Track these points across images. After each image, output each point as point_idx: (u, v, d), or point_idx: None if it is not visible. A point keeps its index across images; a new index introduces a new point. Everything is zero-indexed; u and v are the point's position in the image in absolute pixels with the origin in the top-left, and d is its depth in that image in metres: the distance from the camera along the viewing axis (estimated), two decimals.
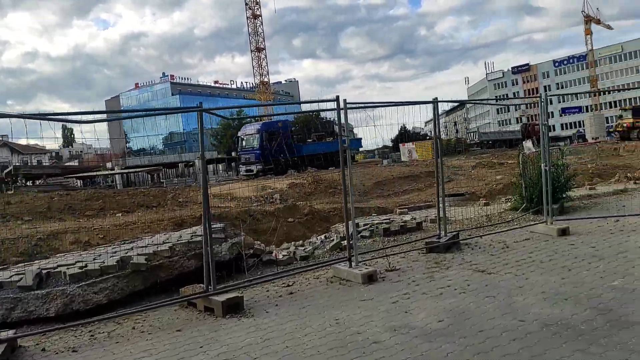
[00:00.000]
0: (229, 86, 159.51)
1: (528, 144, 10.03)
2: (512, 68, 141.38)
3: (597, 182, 26.92)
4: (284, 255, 8.83)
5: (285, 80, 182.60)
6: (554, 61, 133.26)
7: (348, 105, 7.54)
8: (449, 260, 7.85)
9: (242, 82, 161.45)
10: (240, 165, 34.93)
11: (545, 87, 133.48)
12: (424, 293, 6.23)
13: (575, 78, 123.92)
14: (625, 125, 53.03)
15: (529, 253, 7.91)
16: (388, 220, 11.43)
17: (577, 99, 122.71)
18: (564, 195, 11.87)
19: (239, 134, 35.67)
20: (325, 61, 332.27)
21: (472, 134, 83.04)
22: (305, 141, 37.32)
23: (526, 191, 11.65)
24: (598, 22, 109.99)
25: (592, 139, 73.22)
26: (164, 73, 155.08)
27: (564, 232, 9.04)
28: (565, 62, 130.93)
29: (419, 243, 9.06)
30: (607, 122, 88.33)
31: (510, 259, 7.63)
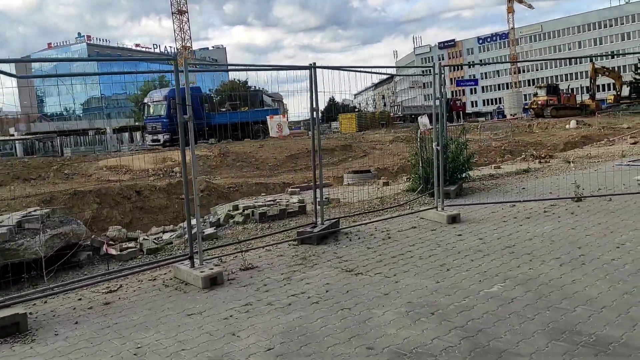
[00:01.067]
0: (152, 50, 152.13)
1: (424, 120, 9.01)
2: (439, 43, 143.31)
3: (508, 159, 27.07)
4: (122, 249, 7.36)
5: (213, 47, 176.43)
6: (478, 38, 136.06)
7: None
8: (319, 254, 6.72)
9: (165, 47, 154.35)
10: (147, 134, 32.58)
11: (469, 62, 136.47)
12: (269, 304, 5.04)
13: (498, 55, 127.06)
14: (539, 102, 54.44)
15: (410, 246, 6.92)
16: (272, 202, 10.21)
17: (499, 76, 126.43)
18: (463, 176, 11.09)
19: (145, 100, 33.10)
20: (257, 29, 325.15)
21: (396, 107, 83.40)
22: (218, 110, 35.36)
23: (423, 171, 10.75)
24: (520, 0, 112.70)
25: (511, 115, 75.41)
26: (79, 33, 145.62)
27: (453, 220, 8.16)
28: (488, 39, 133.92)
29: (294, 232, 7.88)
30: (525, 100, 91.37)
31: (387, 253, 6.60)
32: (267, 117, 7.34)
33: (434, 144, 8.41)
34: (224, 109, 35.94)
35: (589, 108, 54.55)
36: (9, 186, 16.89)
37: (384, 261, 6.27)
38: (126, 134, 50.11)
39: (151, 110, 31.83)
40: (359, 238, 7.49)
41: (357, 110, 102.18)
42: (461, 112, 70.97)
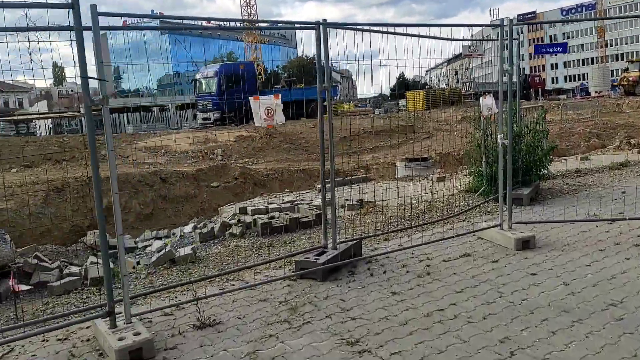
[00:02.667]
0: (222, 25, 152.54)
1: (487, 101, 6.57)
2: (518, 16, 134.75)
3: (595, 144, 23.54)
4: (61, 277, 5.46)
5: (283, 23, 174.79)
6: (562, 9, 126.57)
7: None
8: (317, 302, 4.57)
9: (236, 24, 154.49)
10: (197, 112, 31.25)
11: (550, 36, 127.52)
12: None
13: (583, 28, 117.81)
14: (630, 79, 48.97)
15: (456, 292, 4.63)
16: (290, 204, 8.11)
17: (583, 50, 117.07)
18: (541, 172, 8.51)
19: (197, 76, 31.72)
20: (329, 4, 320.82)
21: (468, 84, 78.57)
22: (273, 87, 33.49)
23: (487, 167, 8.27)
24: None
25: (596, 92, 69.26)
26: (152, 10, 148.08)
27: (525, 245, 5.75)
28: (573, 10, 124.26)
29: (300, 255, 5.73)
30: (612, 76, 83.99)
31: (419, 306, 4.36)
32: (251, 99, 5.22)
33: (498, 137, 5.97)
34: (278, 86, 34.06)
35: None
36: (30, 169, 15.73)
37: (411, 323, 4.03)
38: (189, 112, 49.41)
39: (203, 87, 30.44)
40: (385, 272, 5.25)
41: (427, 86, 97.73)
42: (540, 89, 65.55)
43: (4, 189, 12.52)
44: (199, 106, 30.71)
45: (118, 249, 3.98)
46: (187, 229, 7.67)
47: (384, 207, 8.21)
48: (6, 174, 15.80)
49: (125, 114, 52.46)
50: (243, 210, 8.00)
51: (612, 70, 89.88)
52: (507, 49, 6.20)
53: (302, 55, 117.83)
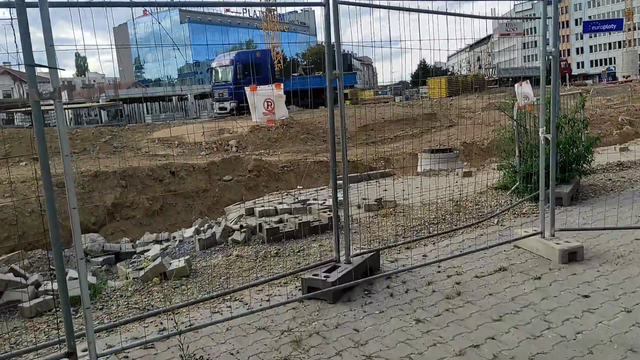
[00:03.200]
0: (241, 15, 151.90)
1: (525, 89, 5.71)
2: None
3: (627, 131, 22.31)
4: (34, 297, 4.75)
5: (302, 10, 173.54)
6: None
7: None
8: (326, 332, 3.82)
9: (254, 11, 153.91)
10: (214, 102, 30.57)
11: (576, 20, 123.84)
12: None
13: (610, 11, 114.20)
14: None
15: (492, 320, 3.84)
16: (302, 205, 7.37)
17: (609, 33, 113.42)
18: (582, 168, 7.62)
19: (212, 64, 30.99)
20: None
21: (491, 69, 76.70)
22: (290, 75, 32.67)
23: (522, 163, 7.41)
24: None
25: (623, 77, 66.96)
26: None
27: (572, 257, 4.92)
28: None
29: (309, 272, 4.99)
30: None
31: (447, 339, 3.59)
32: (247, 90, 4.45)
33: (540, 131, 5.11)
34: (296, 74, 33.23)
35: None
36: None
37: None
38: (207, 101, 48.90)
39: (219, 76, 29.75)
40: (407, 291, 4.47)
41: (449, 73, 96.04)
42: (567, 74, 63.58)
43: (10, 185, 12.01)
44: (215, 95, 30.08)
45: (79, 279, 3.26)
46: (189, 232, 6.98)
47: (405, 208, 7.41)
48: (15, 168, 15.35)
49: (144, 104, 52.24)
50: (250, 212, 7.28)
51: (639, 54, 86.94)
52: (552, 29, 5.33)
53: (322, 42, 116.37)
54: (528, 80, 6.29)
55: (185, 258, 5.25)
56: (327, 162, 16.56)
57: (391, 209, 7.24)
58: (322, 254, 5.53)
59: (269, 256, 5.62)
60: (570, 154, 7.35)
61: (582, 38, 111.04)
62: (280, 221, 6.49)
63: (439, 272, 4.87)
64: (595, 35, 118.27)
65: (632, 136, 19.85)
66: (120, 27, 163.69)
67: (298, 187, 9.60)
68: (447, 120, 27.44)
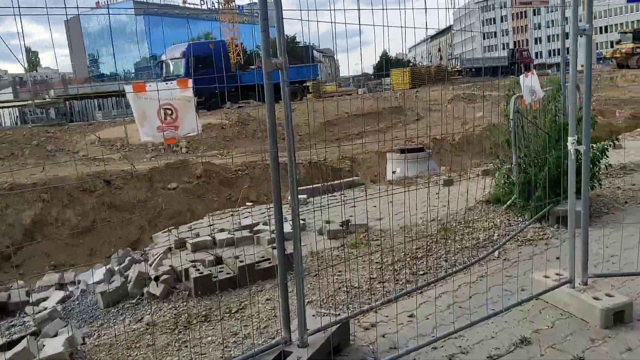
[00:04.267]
0: (199, 6, 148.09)
1: (534, 83, 4.24)
2: None
3: (600, 121, 21.41)
4: None
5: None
6: None
7: None
8: None
9: (212, 2, 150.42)
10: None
11: (534, 10, 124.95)
12: None
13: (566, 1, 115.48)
14: (623, 51, 46.97)
15: None
16: (250, 231, 5.78)
17: (567, 23, 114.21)
18: (596, 177, 6.26)
19: (163, 57, 28.84)
20: None
21: (454, 60, 76.11)
22: (248, 68, 30.83)
23: (520, 172, 5.99)
24: None
25: (581, 66, 67.17)
26: None
27: (618, 320, 3.49)
28: None
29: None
30: (597, 48, 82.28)
31: None
32: (129, 93, 2.84)
33: (569, 140, 3.64)
34: (254, 66, 31.37)
35: None
36: None
37: None
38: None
39: (170, 69, 27.71)
40: None
41: (411, 64, 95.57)
42: (530, 64, 63.39)
43: None
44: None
45: None
46: (99, 273, 5.32)
47: (379, 233, 5.90)
48: None
49: (94, 100, 49.72)
50: (181, 244, 5.68)
51: (597, 44, 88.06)
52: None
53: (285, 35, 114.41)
54: (535, 71, 4.86)
55: (68, 336, 3.59)
56: (285, 164, 14.98)
57: (362, 235, 5.72)
58: (270, 316, 3.96)
59: (195, 321, 4.01)
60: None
61: (539, 28, 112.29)
62: (218, 262, 4.90)
63: (435, 348, 3.38)
64: (552, 25, 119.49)
65: (605, 127, 18.95)
66: (72, 20, 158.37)
67: (247, 203, 7.95)
68: (413, 113, 26.17)
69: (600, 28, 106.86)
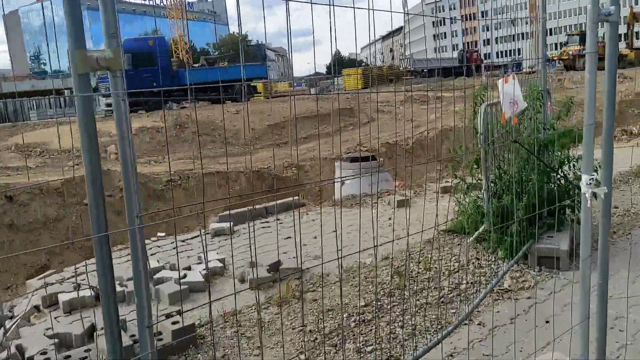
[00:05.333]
0: (146, 2, 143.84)
1: (517, 93, 3.08)
2: None
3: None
4: None
5: None
6: None
7: None
8: None
9: None
10: (100, 97, 26.45)
11: (482, 12, 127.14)
12: None
13: (517, 3, 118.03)
14: (571, 52, 47.62)
15: None
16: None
17: (513, 25, 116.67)
18: (567, 203, 5.17)
19: None
20: None
21: (406, 61, 75.99)
22: (191, 66, 29.08)
23: (491, 198, 4.85)
24: None
25: (529, 68, 68.18)
26: None
27: None
28: None
29: None
30: (546, 50, 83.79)
31: None
32: None
33: (583, 180, 2.45)
34: (197, 65, 29.67)
35: (626, 59, 47.53)
36: None
37: None
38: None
39: None
40: None
41: (363, 64, 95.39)
42: (480, 65, 63.75)
43: None
44: (101, 90, 25.96)
45: None
46: None
47: (315, 279, 4.65)
48: None
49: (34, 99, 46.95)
50: (50, 299, 4.26)
51: (547, 45, 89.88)
52: None
53: (234, 32, 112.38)
54: (513, 73, 3.71)
55: None
56: (226, 173, 13.58)
57: (295, 286, 4.44)
58: None
59: None
60: (563, 183, 4.91)
61: (488, 29, 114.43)
62: (90, 333, 3.52)
63: None
64: (500, 27, 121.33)
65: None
66: (11, 13, 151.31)
67: (159, 235, 6.48)
68: (365, 115, 25.14)
69: (549, 30, 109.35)
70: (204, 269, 4.56)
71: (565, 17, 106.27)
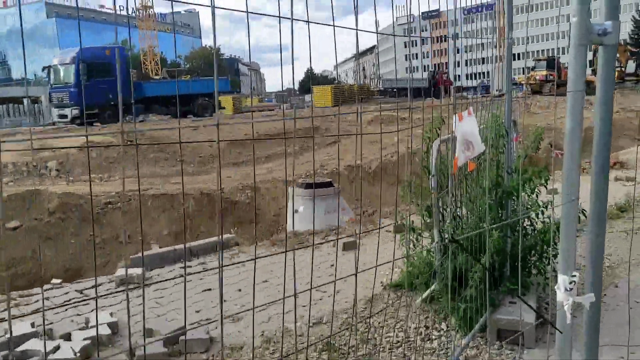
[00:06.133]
0: (117, 12, 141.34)
1: (473, 132, 2.30)
2: (423, 14, 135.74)
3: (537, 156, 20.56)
4: None
5: (185, 11, 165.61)
6: (463, 9, 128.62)
7: None
8: None
9: (133, 8, 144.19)
10: (53, 108, 24.96)
11: (452, 35, 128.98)
12: None
13: (484, 28, 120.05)
14: (538, 77, 48.12)
15: None
16: None
17: (483, 48, 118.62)
18: (549, 260, 4.39)
19: (53, 61, 25.22)
20: None
21: (376, 80, 76.11)
22: (151, 78, 27.93)
23: (444, 253, 4.05)
24: None
25: (497, 91, 68.89)
26: None
27: None
28: (474, 10, 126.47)
29: None
30: (513, 74, 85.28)
31: None
32: None
33: (560, 281, 1.65)
34: (158, 76, 28.57)
35: (592, 85, 48.18)
36: None
37: None
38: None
39: (60, 76, 24.23)
40: None
41: (336, 82, 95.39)
42: (449, 86, 63.97)
43: None
44: (53, 100, 24.59)
45: None
46: None
47: (230, 352, 3.75)
48: None
49: None
50: None
51: (514, 69, 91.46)
52: None
53: (207, 45, 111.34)
54: (472, 109, 2.93)
55: None
56: (174, 195, 12.58)
57: None
58: None
59: None
60: (530, 236, 4.14)
61: (458, 52, 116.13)
62: None
63: None
64: (470, 50, 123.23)
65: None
66: None
67: (53, 282, 5.36)
68: (330, 133, 24.39)
69: (517, 55, 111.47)
70: (86, 338, 3.63)
71: (533, 42, 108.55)
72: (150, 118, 26.12)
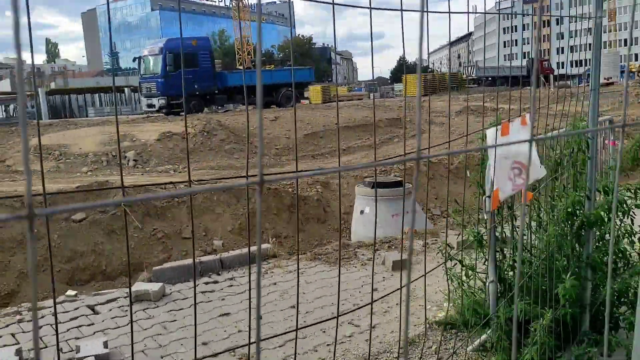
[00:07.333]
0: (216, 3, 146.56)
1: (522, 152, 1.48)
2: None
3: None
4: None
5: (280, 1, 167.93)
6: None
7: None
8: None
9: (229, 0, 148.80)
10: (142, 97, 25.71)
11: (557, 19, 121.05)
12: None
13: (589, 10, 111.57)
14: None
15: None
16: None
17: (590, 34, 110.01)
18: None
19: (143, 52, 25.89)
20: None
21: (469, 68, 72.83)
22: (234, 68, 28.08)
23: (502, 296, 3.17)
24: None
25: (604, 79, 63.84)
26: None
27: None
28: None
29: None
30: (621, 61, 78.82)
31: None
32: None
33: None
34: (241, 67, 28.66)
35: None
36: None
37: None
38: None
39: (149, 66, 24.93)
40: None
41: (429, 70, 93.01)
42: (550, 75, 59.74)
43: None
44: (143, 90, 25.36)
45: None
46: None
47: None
48: None
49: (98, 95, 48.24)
50: None
51: (621, 56, 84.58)
52: None
53: (300, 35, 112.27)
54: (528, 117, 2.06)
55: None
56: (242, 190, 12.23)
57: None
58: None
59: None
60: (621, 277, 3.15)
61: (562, 38, 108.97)
62: None
63: None
64: (575, 35, 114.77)
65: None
66: (89, 11, 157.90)
67: (67, 294, 4.90)
68: (412, 125, 23.27)
69: (624, 40, 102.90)
70: None
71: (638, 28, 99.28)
72: (229, 108, 26.23)
